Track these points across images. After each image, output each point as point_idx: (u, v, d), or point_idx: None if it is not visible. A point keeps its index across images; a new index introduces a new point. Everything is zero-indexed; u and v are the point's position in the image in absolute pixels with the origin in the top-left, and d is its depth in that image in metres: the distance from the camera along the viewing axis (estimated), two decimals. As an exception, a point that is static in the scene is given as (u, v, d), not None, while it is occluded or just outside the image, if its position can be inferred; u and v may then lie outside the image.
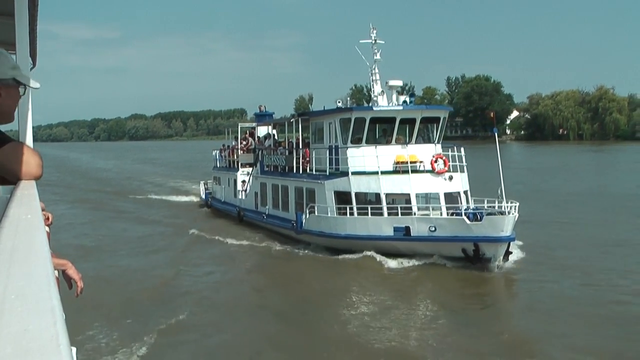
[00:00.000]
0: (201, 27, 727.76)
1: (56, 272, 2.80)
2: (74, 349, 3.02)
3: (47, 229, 2.83)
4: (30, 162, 2.70)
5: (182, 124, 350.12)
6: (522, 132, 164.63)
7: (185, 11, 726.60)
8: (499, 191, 19.70)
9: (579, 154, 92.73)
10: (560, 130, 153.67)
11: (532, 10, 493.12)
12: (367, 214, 21.02)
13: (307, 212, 23.32)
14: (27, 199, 2.14)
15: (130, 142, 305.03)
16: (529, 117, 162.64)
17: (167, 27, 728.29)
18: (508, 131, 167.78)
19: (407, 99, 23.30)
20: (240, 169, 31.57)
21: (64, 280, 2.92)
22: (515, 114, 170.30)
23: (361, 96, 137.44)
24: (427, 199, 22.58)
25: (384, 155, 21.78)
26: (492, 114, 21.69)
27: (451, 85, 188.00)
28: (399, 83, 23.82)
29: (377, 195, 21.58)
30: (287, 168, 26.48)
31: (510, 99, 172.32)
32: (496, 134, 20.86)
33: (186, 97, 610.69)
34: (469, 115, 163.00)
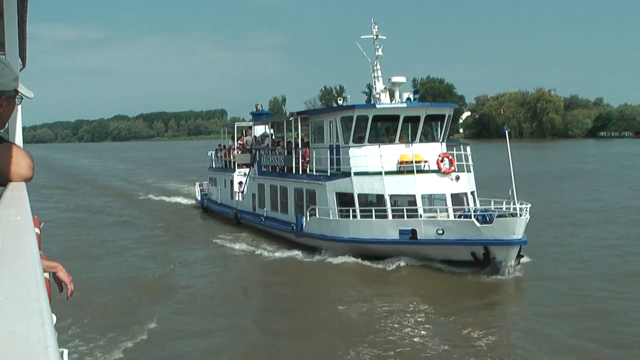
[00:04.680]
0: (184, 27, 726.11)
1: (46, 274, 2.81)
2: (65, 351, 3.19)
3: (37, 231, 2.80)
4: (20, 164, 2.66)
5: (163, 125, 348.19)
6: (472, 131, 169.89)
7: (168, 12, 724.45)
8: (510, 192, 18.98)
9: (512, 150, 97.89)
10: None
11: (507, 13, 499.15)
12: (370, 216, 20.26)
13: (308, 214, 22.47)
14: (16, 200, 2.12)
15: (113, 143, 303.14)
16: (477, 116, 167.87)
17: (150, 28, 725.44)
18: (460, 130, 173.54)
19: (411, 96, 22.55)
20: (237, 170, 30.75)
21: (55, 283, 2.91)
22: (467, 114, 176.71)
23: (330, 97, 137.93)
24: (431, 200, 21.88)
25: (387, 154, 20.95)
26: (501, 111, 21.10)
27: (417, 86, 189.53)
28: (402, 79, 22.98)
29: (380, 196, 20.80)
30: (285, 168, 25.62)
31: (463, 100, 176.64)
32: (507, 132, 20.12)
33: (168, 98, 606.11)
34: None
